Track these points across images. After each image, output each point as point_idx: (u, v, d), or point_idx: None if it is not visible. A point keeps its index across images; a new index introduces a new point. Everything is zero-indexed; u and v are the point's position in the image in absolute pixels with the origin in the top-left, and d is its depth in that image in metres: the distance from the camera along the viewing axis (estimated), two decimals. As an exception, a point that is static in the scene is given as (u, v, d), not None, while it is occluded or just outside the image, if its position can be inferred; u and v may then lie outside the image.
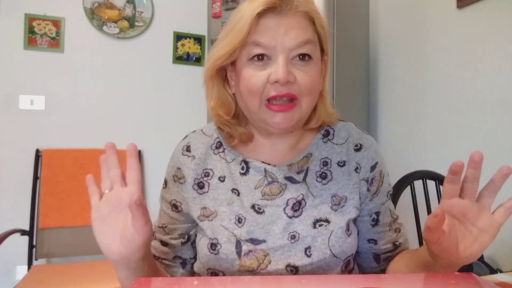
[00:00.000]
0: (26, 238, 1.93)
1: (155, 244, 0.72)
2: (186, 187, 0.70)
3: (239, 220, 0.66)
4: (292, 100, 0.62)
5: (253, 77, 0.62)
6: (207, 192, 0.69)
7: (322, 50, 0.68)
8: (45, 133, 2.13)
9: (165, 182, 0.75)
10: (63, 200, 1.99)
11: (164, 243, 0.72)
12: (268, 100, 0.62)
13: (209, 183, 0.70)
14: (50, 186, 1.99)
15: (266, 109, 0.63)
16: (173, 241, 0.72)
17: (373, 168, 0.72)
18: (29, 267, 1.91)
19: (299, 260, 0.64)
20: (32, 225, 1.96)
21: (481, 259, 1.16)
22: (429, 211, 1.28)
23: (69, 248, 1.98)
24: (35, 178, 2.01)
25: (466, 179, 0.53)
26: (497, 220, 0.53)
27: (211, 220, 0.67)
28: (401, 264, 0.70)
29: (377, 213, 0.72)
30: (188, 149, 0.72)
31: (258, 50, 0.61)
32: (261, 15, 0.61)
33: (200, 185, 0.70)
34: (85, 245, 1.99)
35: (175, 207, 0.72)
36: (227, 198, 0.68)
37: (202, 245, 0.68)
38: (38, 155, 2.05)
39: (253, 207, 0.67)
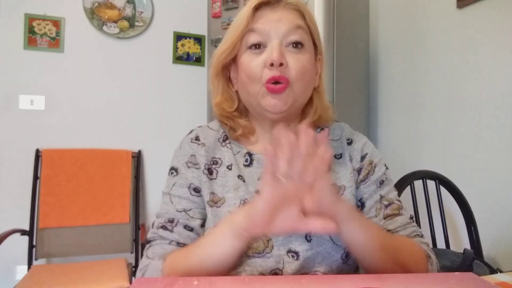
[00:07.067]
0: (26, 238, 1.94)
1: (179, 229, 0.71)
2: (200, 172, 0.73)
3: (244, 204, 0.68)
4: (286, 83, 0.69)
5: (251, 62, 0.69)
6: (215, 179, 0.72)
7: (315, 46, 0.74)
8: (45, 133, 2.13)
9: (175, 170, 0.75)
10: (63, 200, 1.99)
11: (189, 228, 0.71)
12: (266, 83, 0.69)
13: (217, 171, 0.73)
14: (50, 186, 1.99)
15: (265, 91, 0.68)
16: (198, 226, 0.72)
17: (362, 158, 0.76)
18: (29, 267, 1.91)
19: (300, 245, 0.66)
20: (32, 225, 1.96)
21: (481, 259, 1.16)
22: (429, 211, 1.28)
23: (69, 248, 1.98)
24: (35, 178, 2.02)
25: None
26: None
27: (219, 207, 0.70)
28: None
29: (363, 201, 0.73)
30: (197, 138, 0.76)
31: (254, 37, 0.69)
32: (257, 8, 0.70)
33: (209, 171, 0.73)
34: (85, 245, 1.99)
35: (195, 191, 0.73)
36: (234, 184, 0.71)
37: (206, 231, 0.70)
38: (38, 155, 2.05)
39: (257, 192, 0.69)
